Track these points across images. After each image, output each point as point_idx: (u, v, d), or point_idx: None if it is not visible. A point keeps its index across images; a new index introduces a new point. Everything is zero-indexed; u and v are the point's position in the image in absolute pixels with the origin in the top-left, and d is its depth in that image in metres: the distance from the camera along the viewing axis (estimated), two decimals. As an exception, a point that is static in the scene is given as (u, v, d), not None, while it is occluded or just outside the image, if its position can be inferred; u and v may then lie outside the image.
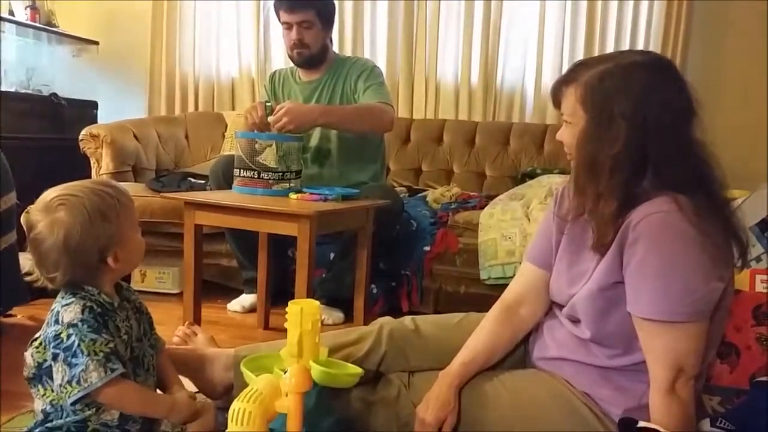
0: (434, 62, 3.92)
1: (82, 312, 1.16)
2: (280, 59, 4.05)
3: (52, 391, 1.18)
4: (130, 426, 1.23)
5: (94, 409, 1.18)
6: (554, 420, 1.30)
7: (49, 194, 1.19)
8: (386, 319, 1.58)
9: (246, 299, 2.81)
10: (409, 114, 3.94)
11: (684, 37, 3.61)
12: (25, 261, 2.23)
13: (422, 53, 3.92)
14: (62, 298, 1.20)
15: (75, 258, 1.17)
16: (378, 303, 2.76)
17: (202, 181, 3.05)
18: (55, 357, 1.15)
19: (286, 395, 1.09)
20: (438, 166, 3.69)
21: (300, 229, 2.03)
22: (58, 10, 4.06)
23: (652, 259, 1.15)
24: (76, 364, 1.13)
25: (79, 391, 1.13)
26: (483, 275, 2.67)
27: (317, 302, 1.29)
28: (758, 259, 1.74)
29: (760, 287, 1.72)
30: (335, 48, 2.85)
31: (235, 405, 1.04)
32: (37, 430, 1.20)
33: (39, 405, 1.21)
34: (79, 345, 1.13)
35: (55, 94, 3.75)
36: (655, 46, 3.66)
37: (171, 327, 1.86)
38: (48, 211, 1.17)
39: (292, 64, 2.82)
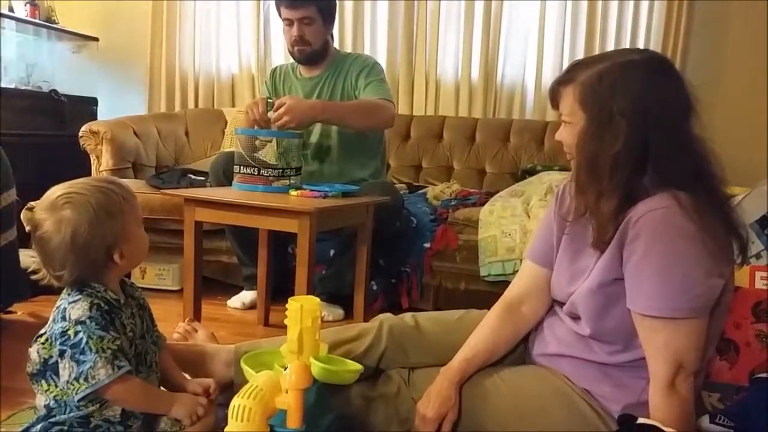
0: (434, 59, 3.92)
1: (90, 309, 1.16)
2: (280, 55, 4.05)
3: (56, 386, 1.19)
4: (132, 422, 1.23)
5: (98, 405, 1.19)
6: (554, 416, 1.30)
7: (54, 192, 1.19)
8: (386, 316, 1.58)
9: (246, 296, 2.81)
10: (409, 110, 3.94)
11: (684, 35, 3.61)
12: (26, 258, 2.24)
13: (422, 50, 3.92)
14: (68, 294, 1.20)
15: (82, 256, 1.17)
16: (378, 300, 2.76)
17: (202, 178, 3.05)
18: (62, 354, 1.15)
19: (286, 392, 1.09)
20: (438, 162, 3.69)
21: (300, 225, 2.03)
22: (57, 7, 4.06)
23: (652, 255, 1.16)
24: (84, 361, 1.13)
25: (86, 388, 1.14)
26: (483, 272, 2.67)
27: (317, 299, 1.29)
28: (758, 256, 1.74)
29: (759, 284, 1.72)
30: (336, 44, 2.85)
31: (235, 401, 1.04)
32: (40, 425, 1.20)
33: (41, 400, 1.21)
34: (87, 342, 1.14)
35: (55, 91, 3.75)
36: (655, 44, 3.66)
37: (171, 323, 1.87)
38: (54, 210, 1.17)
39: (292, 60, 2.82)
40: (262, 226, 2.38)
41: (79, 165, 3.19)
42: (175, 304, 2.51)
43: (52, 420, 1.19)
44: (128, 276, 1.37)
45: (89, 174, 3.22)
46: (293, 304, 1.25)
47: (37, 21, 3.87)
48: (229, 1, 4.12)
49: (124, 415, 1.22)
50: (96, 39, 4.17)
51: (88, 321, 1.15)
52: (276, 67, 2.92)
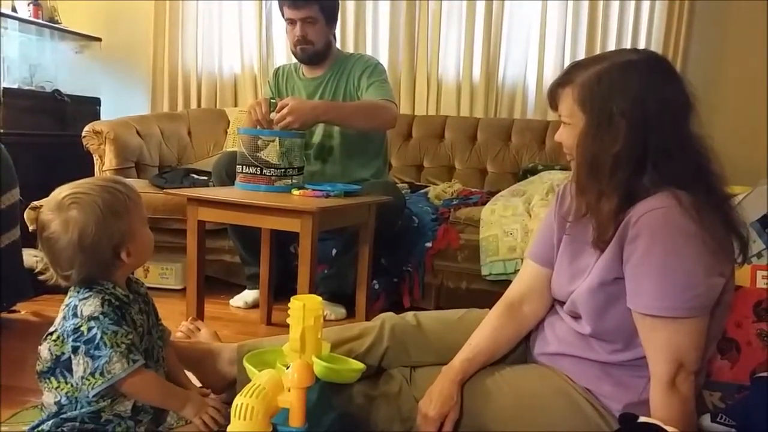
0: (436, 58, 3.92)
1: (102, 305, 1.18)
2: (283, 55, 4.06)
3: (67, 383, 1.20)
4: (142, 416, 1.25)
5: (109, 401, 1.20)
6: (555, 414, 1.30)
7: (60, 193, 1.20)
8: (388, 315, 1.59)
9: (248, 295, 2.81)
10: (410, 110, 3.95)
11: (686, 35, 3.61)
12: (29, 257, 2.25)
13: (424, 49, 3.92)
14: (77, 292, 1.21)
15: (90, 255, 1.18)
16: (380, 299, 2.77)
17: (205, 178, 3.06)
18: (75, 350, 1.16)
19: (289, 390, 1.10)
20: (440, 162, 3.70)
21: (302, 225, 2.03)
22: (60, 7, 4.06)
23: (653, 254, 1.16)
24: (100, 356, 1.15)
25: (102, 383, 1.15)
26: (484, 271, 2.67)
27: (319, 298, 1.29)
28: (759, 255, 1.75)
29: (761, 283, 1.72)
30: (337, 44, 2.85)
31: (238, 400, 1.05)
32: (51, 421, 1.21)
33: (51, 398, 1.22)
34: (101, 337, 1.15)
35: (58, 91, 3.75)
36: (656, 44, 3.66)
37: (174, 323, 1.87)
38: (60, 210, 1.18)
39: (295, 60, 2.83)
40: (265, 226, 2.38)
41: (82, 165, 3.19)
42: (178, 303, 2.51)
43: (63, 416, 1.20)
44: (132, 273, 1.38)
45: (92, 174, 3.23)
46: (295, 303, 1.25)
47: (40, 21, 3.87)
48: (231, 1, 4.13)
49: (135, 409, 1.23)
50: (99, 39, 4.17)
51: (101, 317, 1.16)
52: (279, 67, 2.92)
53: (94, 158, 3.29)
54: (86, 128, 3.28)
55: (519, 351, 1.48)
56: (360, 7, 3.96)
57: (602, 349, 1.30)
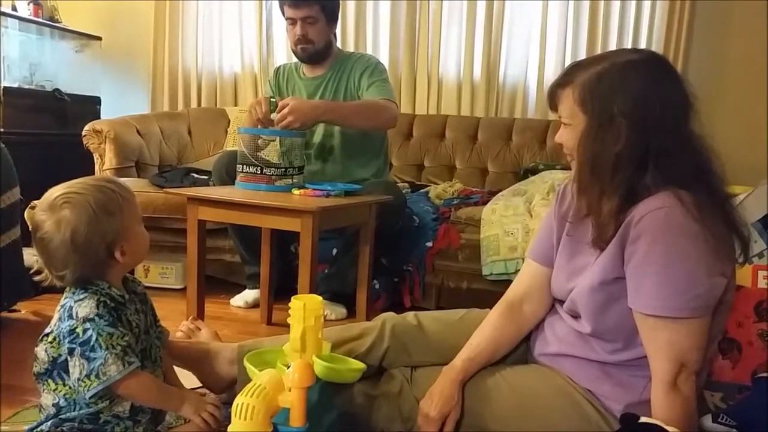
0: (437, 58, 3.92)
1: (97, 307, 1.17)
2: (283, 54, 4.06)
3: (65, 385, 1.19)
4: (141, 416, 1.25)
5: (108, 402, 1.20)
6: (556, 415, 1.30)
7: (53, 193, 1.20)
8: (389, 315, 1.59)
9: (249, 295, 2.81)
10: (411, 110, 3.94)
11: (686, 35, 3.60)
12: (30, 257, 2.25)
13: (425, 49, 3.92)
14: (73, 293, 1.21)
15: (83, 255, 1.18)
16: (380, 298, 2.77)
17: (205, 177, 3.06)
18: (71, 352, 1.16)
19: (290, 390, 1.10)
20: (440, 161, 3.70)
21: (303, 224, 2.03)
22: (60, 6, 4.05)
23: (655, 255, 1.16)
24: (95, 358, 1.14)
25: (98, 384, 1.15)
26: (485, 271, 2.67)
27: (320, 298, 1.29)
28: (761, 255, 1.74)
29: (762, 283, 1.72)
30: (338, 44, 2.85)
31: (239, 399, 1.04)
32: (50, 422, 1.21)
33: (50, 399, 1.22)
34: (97, 339, 1.15)
35: (58, 90, 3.75)
36: (657, 44, 3.66)
37: (174, 322, 1.87)
38: (53, 210, 1.18)
39: (295, 60, 2.82)
40: (265, 225, 2.38)
41: (83, 164, 3.19)
42: (178, 302, 2.51)
43: (62, 417, 1.20)
44: (131, 272, 1.37)
45: (93, 173, 3.23)
46: (296, 303, 1.25)
47: (40, 20, 3.87)
48: (231, 0, 4.13)
49: (133, 410, 1.23)
50: (99, 38, 4.17)
51: (96, 318, 1.16)
52: (279, 67, 2.92)
53: (95, 157, 3.29)
54: (86, 127, 3.28)
55: (520, 351, 1.48)
56: (360, 6, 3.96)
57: (602, 349, 1.30)
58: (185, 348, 1.62)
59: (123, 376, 1.15)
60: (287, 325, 1.28)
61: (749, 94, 3.57)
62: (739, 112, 3.48)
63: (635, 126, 1.18)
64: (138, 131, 3.46)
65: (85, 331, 1.15)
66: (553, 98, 1.31)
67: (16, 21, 3.72)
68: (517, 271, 2.58)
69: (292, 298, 1.27)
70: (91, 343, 1.15)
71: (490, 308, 1.51)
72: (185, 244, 2.25)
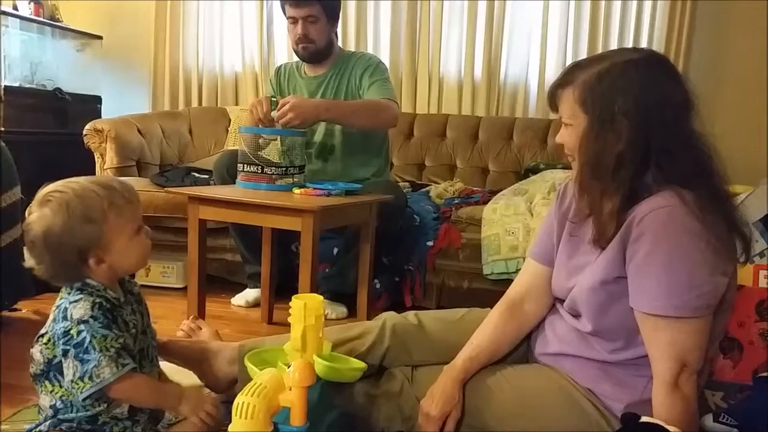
0: (437, 57, 3.91)
1: (92, 308, 1.17)
2: (284, 53, 4.06)
3: (61, 386, 1.19)
4: (139, 416, 1.25)
5: (105, 405, 1.20)
6: (556, 414, 1.30)
7: (46, 188, 1.20)
8: (389, 314, 1.59)
9: (250, 294, 2.81)
10: (412, 109, 3.94)
11: (687, 35, 3.60)
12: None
13: (425, 48, 3.92)
14: (68, 294, 1.21)
15: (54, 255, 1.17)
16: (381, 298, 2.77)
17: (206, 176, 3.06)
18: (65, 353, 1.16)
19: (290, 389, 1.10)
20: (441, 161, 3.69)
21: (303, 224, 2.03)
22: (61, 5, 4.05)
23: (657, 254, 1.15)
24: (89, 360, 1.14)
25: (91, 387, 1.14)
26: (486, 270, 2.67)
27: (321, 297, 1.29)
28: (762, 255, 1.74)
29: (763, 283, 1.72)
30: (339, 43, 2.85)
31: (239, 399, 1.04)
32: (48, 422, 1.20)
33: (47, 401, 1.22)
34: (90, 341, 1.14)
35: (59, 89, 3.75)
36: (658, 44, 3.65)
37: (175, 321, 1.88)
38: (39, 204, 1.18)
39: (296, 59, 2.82)
40: (266, 225, 2.38)
41: (83, 163, 3.19)
42: (179, 301, 2.51)
43: (60, 418, 1.20)
44: (132, 276, 1.37)
45: (93, 172, 3.23)
46: (297, 302, 1.25)
47: (41, 19, 3.87)
48: (232, 0, 4.13)
49: (132, 410, 1.23)
50: (100, 37, 4.17)
51: (90, 320, 1.15)
52: (280, 66, 2.92)
53: (95, 156, 3.29)
54: (87, 126, 3.28)
55: (521, 351, 1.48)
56: (361, 5, 3.96)
57: (603, 348, 1.30)
58: (186, 347, 1.62)
59: (117, 378, 1.15)
60: (288, 325, 1.28)
61: (750, 93, 3.56)
62: (739, 112, 3.48)
63: (636, 125, 1.18)
64: (139, 130, 3.46)
65: (79, 333, 1.15)
66: (553, 98, 1.30)
67: (17, 20, 3.72)
68: (517, 271, 2.57)
69: (293, 298, 1.27)
70: (85, 345, 1.14)
71: (491, 307, 1.51)
72: (186, 243, 2.26)
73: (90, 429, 1.20)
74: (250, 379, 1.13)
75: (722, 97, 3.45)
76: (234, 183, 2.39)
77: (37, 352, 1.21)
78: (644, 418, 1.11)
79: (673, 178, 1.19)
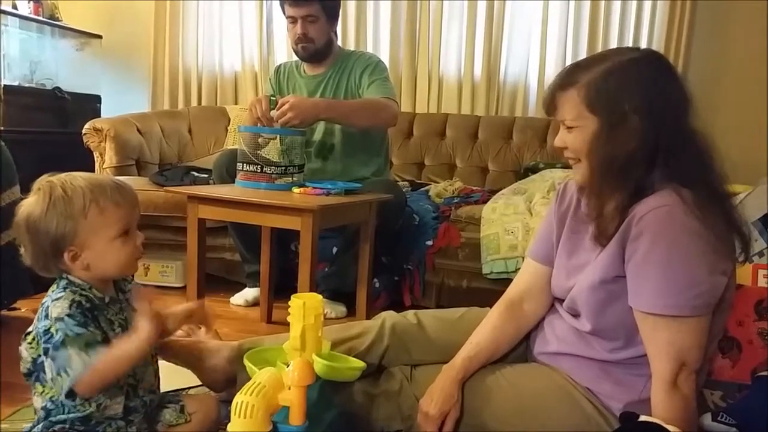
0: (437, 56, 3.91)
1: (69, 307, 1.15)
2: (283, 53, 4.06)
3: (51, 387, 1.18)
4: (133, 416, 1.24)
5: (95, 406, 1.19)
6: (555, 413, 1.30)
7: (44, 176, 1.21)
8: (389, 314, 1.59)
9: (249, 293, 2.81)
10: (412, 108, 3.94)
11: (687, 34, 3.60)
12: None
13: (425, 47, 3.92)
14: (53, 291, 1.21)
15: (33, 241, 1.17)
16: (380, 297, 2.77)
17: (205, 175, 3.06)
18: (45, 352, 1.15)
19: (289, 388, 1.09)
20: (441, 160, 3.69)
21: (303, 223, 2.03)
22: (61, 4, 4.06)
23: (657, 252, 1.15)
24: (58, 357, 1.13)
25: (68, 381, 1.13)
26: (485, 270, 2.67)
27: (320, 296, 1.29)
28: (761, 254, 1.74)
29: (762, 282, 1.72)
30: (338, 42, 2.85)
31: (238, 398, 1.04)
32: (41, 425, 1.20)
33: (38, 402, 1.21)
34: (63, 340, 1.13)
35: (58, 88, 3.75)
36: (658, 43, 3.65)
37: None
38: (33, 191, 1.19)
39: (296, 58, 2.82)
40: (265, 224, 2.38)
41: (83, 162, 3.19)
42: (178, 301, 2.49)
43: (52, 419, 1.19)
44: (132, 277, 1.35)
45: (93, 171, 3.22)
46: (296, 302, 1.25)
47: (40, 18, 3.87)
48: (232, -1, 4.13)
49: (126, 410, 1.22)
50: (99, 36, 4.17)
51: (66, 318, 1.14)
52: (280, 65, 2.92)
53: (95, 156, 3.29)
54: (87, 126, 3.28)
55: (520, 350, 1.48)
56: (361, 4, 3.96)
57: (602, 347, 1.30)
58: (185, 346, 1.61)
59: (88, 368, 1.12)
60: (287, 324, 1.28)
61: (749, 93, 3.56)
62: (739, 112, 3.48)
63: (646, 123, 1.17)
64: (138, 130, 3.46)
65: (57, 331, 1.14)
66: (553, 101, 1.27)
67: (17, 19, 3.72)
68: (517, 270, 2.58)
69: (292, 297, 1.27)
70: (58, 343, 1.13)
71: (490, 307, 1.51)
72: (185, 242, 2.25)
73: (83, 430, 1.19)
74: (249, 379, 1.13)
75: (722, 96, 3.46)
76: (233, 182, 2.39)
77: (24, 350, 1.20)
78: (643, 418, 1.11)
79: (674, 177, 1.19)
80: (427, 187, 3.34)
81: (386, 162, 2.93)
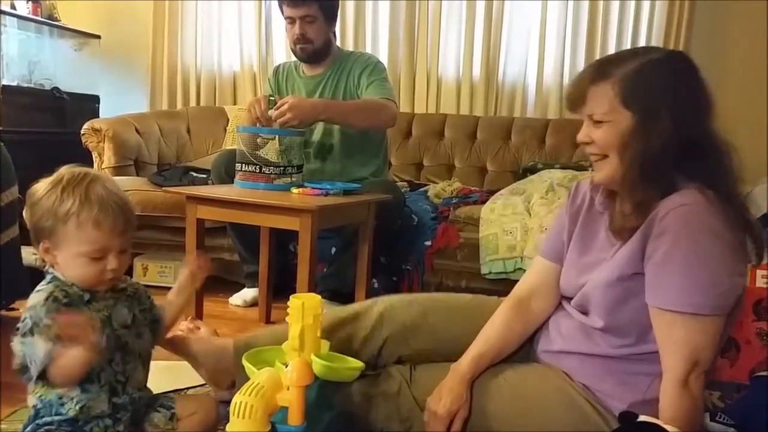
0: (436, 57, 3.91)
1: (46, 299, 1.15)
2: (282, 53, 4.05)
3: (42, 386, 1.18)
4: (121, 414, 1.23)
5: (78, 408, 1.18)
6: (555, 414, 1.30)
7: (72, 167, 1.25)
8: (386, 299, 1.58)
9: (247, 293, 2.81)
10: (410, 108, 3.94)
11: (686, 34, 3.60)
12: (28, 255, 2.24)
13: (424, 48, 3.92)
14: (41, 283, 1.21)
15: (28, 214, 1.21)
16: (379, 297, 2.76)
17: (204, 176, 3.06)
18: (21, 343, 1.14)
19: (288, 389, 1.10)
20: (439, 160, 3.69)
21: (301, 223, 2.03)
22: (59, 4, 4.05)
23: (680, 250, 1.15)
24: (27, 343, 1.13)
25: (35, 369, 1.13)
26: (484, 270, 2.67)
27: (319, 296, 1.29)
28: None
29: (761, 283, 1.73)
30: (337, 43, 2.85)
31: (237, 398, 1.04)
32: (30, 426, 1.19)
33: (31, 401, 1.21)
34: (31, 328, 1.13)
35: (57, 88, 3.75)
36: (656, 43, 3.64)
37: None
38: (57, 172, 1.23)
39: (295, 58, 2.82)
40: (264, 224, 2.38)
41: (81, 163, 3.16)
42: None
43: (39, 422, 1.19)
44: (129, 273, 1.35)
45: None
46: (295, 302, 1.25)
47: (39, 18, 3.86)
48: (230, -1, 4.13)
49: (114, 407, 1.22)
50: (98, 37, 4.17)
51: (38, 308, 1.14)
52: (279, 65, 2.92)
53: (93, 156, 3.29)
54: (85, 126, 3.28)
55: (523, 351, 1.48)
56: (360, 5, 3.96)
57: (609, 344, 1.29)
58: (191, 345, 1.60)
59: (51, 357, 1.11)
60: (286, 324, 1.28)
61: (749, 93, 3.56)
62: (738, 111, 3.47)
63: (677, 119, 1.18)
64: (137, 130, 3.46)
65: (27, 320, 1.14)
66: (583, 95, 1.25)
67: (15, 19, 3.72)
68: (515, 270, 2.59)
69: (291, 297, 1.27)
70: (26, 330, 1.13)
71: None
72: (184, 242, 2.25)
73: (70, 430, 1.18)
74: (248, 379, 1.13)
75: (721, 96, 3.38)
76: (232, 182, 2.39)
77: (16, 344, 1.20)
78: (642, 417, 1.11)
79: (696, 177, 1.20)
80: (425, 188, 3.34)
81: (385, 162, 2.94)
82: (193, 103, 4.22)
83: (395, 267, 2.82)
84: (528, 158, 3.53)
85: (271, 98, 2.47)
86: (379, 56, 3.09)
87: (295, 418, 1.10)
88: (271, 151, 2.27)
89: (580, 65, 3.74)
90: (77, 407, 1.18)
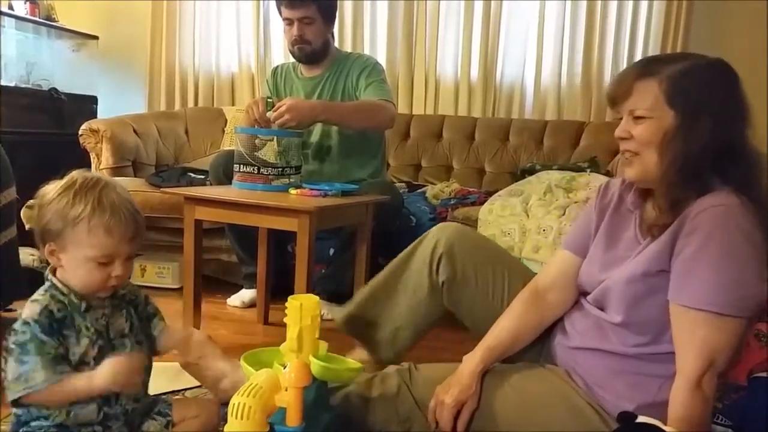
0: (434, 58, 3.92)
1: (39, 313, 1.15)
2: (280, 54, 4.05)
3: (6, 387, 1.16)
4: (112, 422, 1.22)
5: (65, 414, 1.17)
6: (558, 419, 1.30)
7: (84, 172, 1.23)
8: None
9: (246, 294, 2.81)
10: (408, 110, 3.94)
11: (684, 34, 3.60)
12: (26, 256, 2.24)
13: (422, 49, 3.92)
14: (38, 290, 1.20)
15: (36, 215, 1.20)
16: (377, 298, 2.76)
17: (202, 177, 3.06)
18: (10, 351, 1.13)
19: (286, 390, 1.10)
20: (437, 162, 3.69)
21: (300, 224, 2.03)
22: (57, 5, 4.05)
23: (709, 250, 1.16)
24: (27, 362, 1.11)
25: (22, 390, 1.11)
26: (482, 271, 2.67)
27: (317, 297, 1.29)
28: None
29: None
30: (335, 44, 2.85)
31: (235, 399, 1.04)
32: (22, 430, 1.18)
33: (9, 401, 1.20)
34: (27, 344, 1.12)
35: (54, 89, 3.74)
36: (654, 44, 3.66)
37: (170, 322, 1.87)
38: (69, 175, 1.22)
39: (293, 59, 2.82)
40: (262, 225, 2.38)
41: (79, 163, 3.16)
42: (174, 302, 2.50)
43: (25, 428, 1.18)
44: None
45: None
46: (293, 303, 1.25)
47: (36, 19, 3.86)
48: (229, 0, 4.12)
49: (106, 417, 1.21)
50: (96, 37, 4.17)
51: (32, 323, 1.13)
52: (277, 66, 2.92)
53: (91, 157, 3.28)
54: (83, 127, 3.28)
55: (537, 346, 1.49)
56: (358, 6, 3.96)
57: (623, 342, 1.29)
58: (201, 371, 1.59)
59: (47, 386, 1.11)
60: (284, 325, 1.28)
61: (748, 94, 3.57)
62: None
63: (719, 125, 1.20)
64: (135, 131, 3.46)
65: (23, 333, 1.13)
66: (627, 89, 1.27)
67: (13, 20, 3.72)
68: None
69: (289, 298, 1.27)
70: (26, 347, 1.12)
71: None
72: (182, 243, 2.25)
73: None
74: (246, 380, 1.13)
75: None
76: (230, 183, 2.39)
77: (10, 356, 1.19)
78: (641, 418, 1.11)
79: (732, 180, 1.21)
80: (423, 189, 3.34)
81: (383, 163, 2.94)
82: (191, 104, 4.22)
83: (393, 268, 2.81)
84: (526, 159, 3.54)
85: (269, 100, 2.47)
86: (377, 57, 3.09)
87: (293, 419, 1.10)
88: (269, 152, 2.26)
89: (578, 67, 3.75)
90: (65, 413, 1.17)
